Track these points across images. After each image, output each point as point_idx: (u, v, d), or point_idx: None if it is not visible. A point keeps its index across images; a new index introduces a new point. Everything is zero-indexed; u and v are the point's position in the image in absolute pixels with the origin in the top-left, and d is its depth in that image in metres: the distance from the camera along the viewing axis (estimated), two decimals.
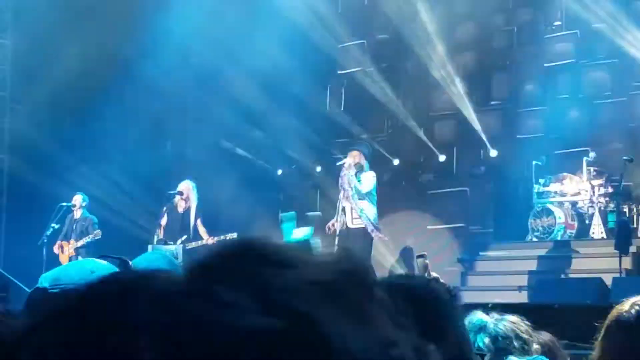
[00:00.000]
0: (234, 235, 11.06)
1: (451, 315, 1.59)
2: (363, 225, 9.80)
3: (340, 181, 9.92)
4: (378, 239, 10.31)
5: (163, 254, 1.64)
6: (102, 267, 1.58)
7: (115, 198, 12.40)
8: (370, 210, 9.84)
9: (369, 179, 9.88)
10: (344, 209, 9.79)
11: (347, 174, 9.75)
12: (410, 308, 0.94)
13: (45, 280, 1.58)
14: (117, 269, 1.55)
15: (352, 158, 9.95)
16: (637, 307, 2.08)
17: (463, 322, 1.80)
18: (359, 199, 9.70)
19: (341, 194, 9.82)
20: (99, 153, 13.55)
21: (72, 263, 1.65)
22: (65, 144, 13.33)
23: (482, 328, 3.22)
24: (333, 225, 9.89)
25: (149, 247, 10.03)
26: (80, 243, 11.53)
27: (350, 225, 9.81)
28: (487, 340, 3.18)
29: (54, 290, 1.53)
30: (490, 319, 3.27)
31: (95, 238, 11.37)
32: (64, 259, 11.66)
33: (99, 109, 13.59)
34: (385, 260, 12.20)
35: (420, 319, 0.97)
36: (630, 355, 1.95)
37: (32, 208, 12.18)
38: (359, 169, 9.89)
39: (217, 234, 10.96)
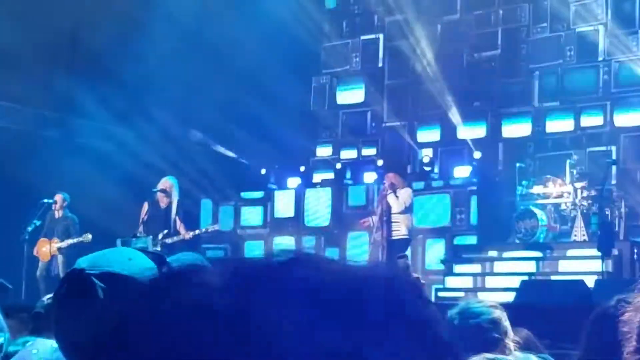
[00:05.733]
0: (216, 227, 11.14)
1: None
2: (400, 237, 10.87)
3: (379, 201, 11.19)
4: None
5: (196, 255, 1.73)
6: (139, 255, 1.65)
7: (94, 193, 12.28)
8: (406, 222, 10.86)
9: (404, 196, 10.86)
10: (385, 223, 10.79)
11: (386, 195, 10.87)
12: None
13: (83, 262, 1.64)
14: (152, 262, 1.64)
15: (388, 180, 10.98)
16: (623, 303, 2.07)
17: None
18: (398, 213, 10.80)
19: (378, 210, 10.95)
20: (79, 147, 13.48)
21: (110, 250, 1.73)
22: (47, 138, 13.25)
23: None
24: (375, 239, 11.03)
25: (118, 241, 9.99)
26: (64, 244, 11.43)
27: (390, 237, 10.83)
28: None
29: (92, 272, 1.59)
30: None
31: (85, 242, 11.27)
32: (44, 257, 11.54)
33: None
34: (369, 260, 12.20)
35: None
36: (616, 350, 1.93)
37: (11, 203, 12.05)
38: (394, 188, 10.86)
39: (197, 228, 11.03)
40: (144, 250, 1.67)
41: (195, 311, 0.64)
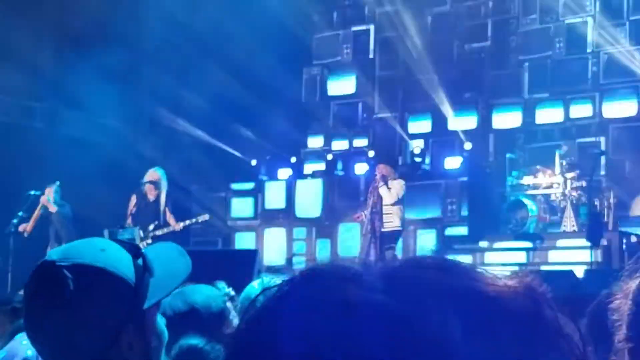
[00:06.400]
0: (206, 217, 11.07)
1: None
2: (393, 229, 10.76)
3: (371, 192, 10.91)
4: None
5: (172, 245, 1.68)
6: (113, 246, 1.61)
7: (81, 184, 12.21)
8: (398, 214, 10.74)
9: (396, 188, 10.70)
10: (377, 214, 10.62)
11: (378, 186, 10.70)
12: None
13: (54, 253, 1.59)
14: (125, 251, 1.60)
15: (379, 171, 10.84)
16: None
17: None
18: (390, 205, 10.65)
19: (370, 202, 10.73)
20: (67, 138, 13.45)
21: (83, 240, 1.67)
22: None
23: None
24: (367, 231, 10.87)
25: (105, 231, 9.94)
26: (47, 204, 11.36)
27: (382, 229, 10.69)
28: None
29: (62, 264, 1.54)
30: None
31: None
32: (29, 227, 11.44)
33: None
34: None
35: None
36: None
37: None
38: (386, 180, 10.71)
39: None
40: (118, 240, 1.64)
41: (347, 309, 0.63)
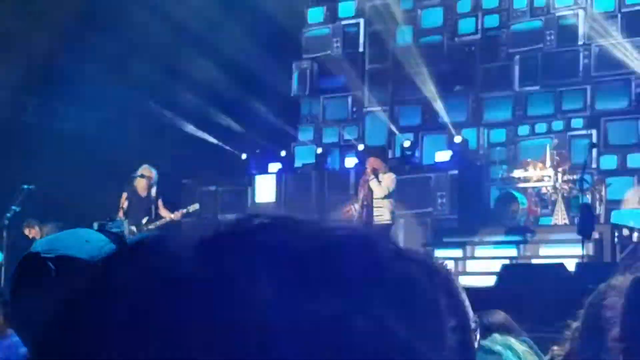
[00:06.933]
0: (196, 206, 11.19)
1: None
2: (383, 222, 10.63)
3: (361, 186, 10.83)
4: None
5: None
6: (97, 237, 1.61)
7: (73, 178, 12.18)
8: (389, 207, 10.64)
9: (387, 181, 10.61)
10: (367, 208, 10.54)
11: (369, 180, 10.60)
12: None
13: (39, 245, 1.61)
14: (110, 242, 1.60)
15: (370, 164, 10.71)
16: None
17: None
18: (381, 198, 10.56)
19: (360, 195, 10.66)
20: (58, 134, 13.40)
21: (68, 232, 1.68)
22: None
23: None
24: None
25: (94, 224, 9.95)
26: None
27: (372, 223, 10.59)
28: None
29: (47, 255, 1.55)
30: None
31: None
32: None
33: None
34: None
35: None
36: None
37: None
38: (377, 173, 10.61)
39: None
40: (103, 231, 1.63)
41: (155, 283, 0.58)
